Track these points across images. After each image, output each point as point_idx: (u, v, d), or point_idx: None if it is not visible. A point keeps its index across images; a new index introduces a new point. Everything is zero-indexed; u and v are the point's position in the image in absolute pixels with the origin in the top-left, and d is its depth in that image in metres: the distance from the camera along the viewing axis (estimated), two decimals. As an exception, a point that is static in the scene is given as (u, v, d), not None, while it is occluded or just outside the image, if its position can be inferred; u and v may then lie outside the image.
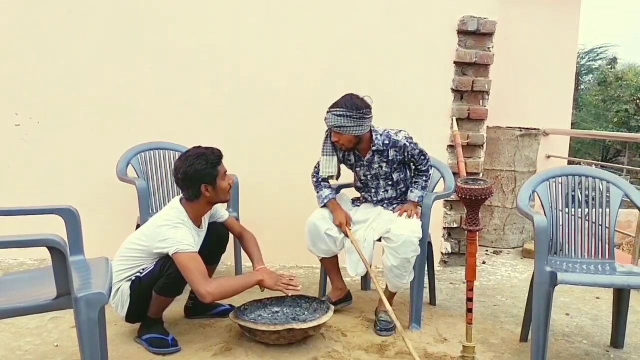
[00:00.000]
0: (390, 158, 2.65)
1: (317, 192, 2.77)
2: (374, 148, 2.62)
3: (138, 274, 2.34)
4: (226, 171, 2.40)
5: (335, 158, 2.70)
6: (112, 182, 3.11)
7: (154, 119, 3.47)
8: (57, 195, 3.31)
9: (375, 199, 2.80)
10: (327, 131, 2.67)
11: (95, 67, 3.43)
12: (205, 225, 2.49)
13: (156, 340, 2.33)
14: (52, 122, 3.45)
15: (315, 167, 2.80)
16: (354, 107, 2.47)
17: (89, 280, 1.90)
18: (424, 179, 2.73)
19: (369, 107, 2.53)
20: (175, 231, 2.25)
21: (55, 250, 1.62)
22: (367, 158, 2.67)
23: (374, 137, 2.62)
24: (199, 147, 2.38)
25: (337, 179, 2.78)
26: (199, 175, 2.29)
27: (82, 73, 3.43)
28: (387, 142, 2.62)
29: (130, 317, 2.40)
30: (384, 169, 2.69)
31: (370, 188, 2.79)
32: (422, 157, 2.68)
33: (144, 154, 3.19)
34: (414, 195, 2.71)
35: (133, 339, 2.42)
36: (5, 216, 2.18)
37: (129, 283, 2.34)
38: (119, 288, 2.34)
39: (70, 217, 2.17)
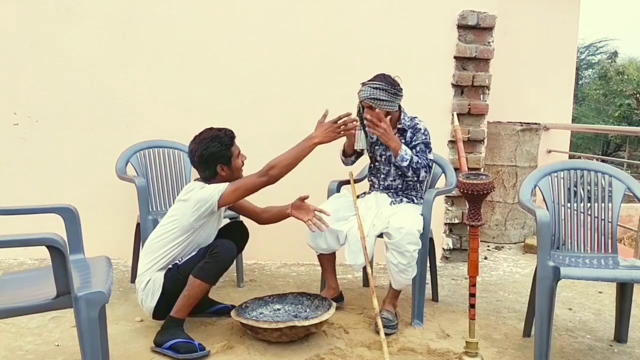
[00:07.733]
0: (407, 140, 2.71)
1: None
2: (399, 125, 2.72)
3: (176, 262, 2.36)
4: (240, 150, 2.48)
5: (363, 132, 2.72)
6: (112, 181, 3.10)
7: (152, 117, 3.45)
8: (56, 194, 3.30)
9: (382, 184, 2.83)
10: (357, 106, 2.72)
11: (93, 65, 3.42)
12: (223, 209, 2.54)
13: (183, 344, 2.21)
14: (50, 121, 3.44)
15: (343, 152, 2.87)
16: (389, 82, 2.62)
17: (88, 279, 1.89)
18: (418, 163, 2.64)
19: (400, 86, 2.66)
20: (207, 187, 2.32)
21: (55, 249, 1.61)
22: None
23: (402, 117, 2.74)
24: (212, 128, 2.44)
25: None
26: (215, 157, 2.38)
27: (80, 71, 3.42)
28: (409, 123, 2.74)
29: (158, 311, 2.34)
30: None
31: (381, 172, 2.83)
32: (423, 152, 2.69)
33: (143, 152, 3.18)
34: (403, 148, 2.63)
35: (150, 348, 2.29)
36: (4, 215, 2.17)
37: (162, 272, 2.33)
38: (150, 279, 2.33)
39: (70, 216, 2.16)
